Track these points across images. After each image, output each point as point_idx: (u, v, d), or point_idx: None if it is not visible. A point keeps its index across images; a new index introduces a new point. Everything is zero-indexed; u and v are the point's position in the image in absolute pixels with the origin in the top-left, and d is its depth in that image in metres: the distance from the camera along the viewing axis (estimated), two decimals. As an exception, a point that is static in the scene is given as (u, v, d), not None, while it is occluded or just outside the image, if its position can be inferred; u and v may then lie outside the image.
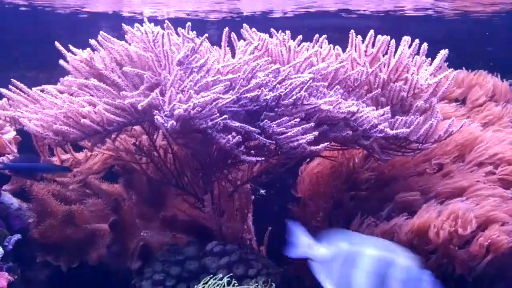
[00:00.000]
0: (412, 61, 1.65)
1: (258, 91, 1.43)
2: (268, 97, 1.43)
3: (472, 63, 2.18)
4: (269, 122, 1.43)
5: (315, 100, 1.49)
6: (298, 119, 1.44)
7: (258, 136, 1.45)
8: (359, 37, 1.67)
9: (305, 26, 1.68)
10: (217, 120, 1.40)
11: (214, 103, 1.42)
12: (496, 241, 1.43)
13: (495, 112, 1.95)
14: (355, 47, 1.66)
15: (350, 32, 1.66)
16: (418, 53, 1.66)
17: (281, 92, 1.44)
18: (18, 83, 1.65)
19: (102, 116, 1.51)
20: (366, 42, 1.67)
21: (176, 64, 1.50)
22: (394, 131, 1.53)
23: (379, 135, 1.52)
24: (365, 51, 1.66)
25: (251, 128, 1.44)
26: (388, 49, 1.65)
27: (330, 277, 1.13)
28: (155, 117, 1.42)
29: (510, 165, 1.67)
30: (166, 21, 1.70)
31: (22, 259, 1.82)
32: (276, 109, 1.46)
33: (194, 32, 1.64)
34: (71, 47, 1.68)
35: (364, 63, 1.63)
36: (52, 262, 1.91)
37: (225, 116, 1.42)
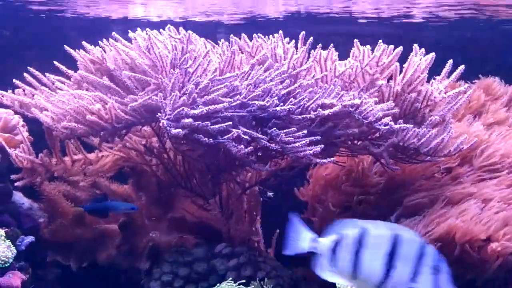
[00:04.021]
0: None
1: (268, 101, 1.45)
2: (278, 108, 1.45)
3: (479, 68, 2.18)
4: (277, 130, 1.45)
5: (319, 99, 1.50)
6: (305, 131, 1.45)
7: (266, 142, 1.46)
8: (368, 46, 1.65)
9: (311, 31, 1.67)
10: (234, 131, 1.42)
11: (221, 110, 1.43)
12: (505, 245, 1.44)
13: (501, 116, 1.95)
14: (363, 56, 1.65)
15: (355, 41, 1.65)
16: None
17: (291, 108, 1.45)
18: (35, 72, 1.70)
19: (111, 113, 1.53)
20: (379, 53, 1.64)
21: (170, 66, 1.51)
22: (399, 125, 1.53)
23: (384, 127, 1.52)
24: (377, 62, 1.65)
25: (260, 136, 1.46)
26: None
27: (335, 265, 1.10)
28: (161, 121, 1.43)
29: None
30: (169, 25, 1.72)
31: (33, 258, 1.84)
32: (284, 118, 1.48)
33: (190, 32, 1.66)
34: (84, 43, 1.71)
35: (375, 73, 1.63)
36: (62, 262, 1.93)
37: (230, 123, 1.43)
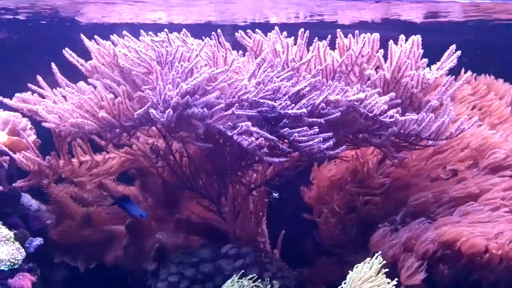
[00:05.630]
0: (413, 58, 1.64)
1: (279, 102, 1.45)
2: (289, 111, 1.45)
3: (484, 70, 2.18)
4: (289, 130, 1.45)
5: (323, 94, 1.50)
6: (317, 128, 1.46)
7: (276, 142, 1.47)
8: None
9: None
10: (242, 125, 1.43)
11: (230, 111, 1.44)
12: (507, 250, 1.45)
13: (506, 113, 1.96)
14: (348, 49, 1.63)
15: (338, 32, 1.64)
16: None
17: (302, 105, 1.46)
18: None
19: (119, 109, 1.54)
20: (360, 44, 1.62)
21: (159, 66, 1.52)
22: (404, 117, 1.54)
23: (389, 120, 1.52)
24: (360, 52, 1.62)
25: (270, 137, 1.47)
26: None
27: None
28: (150, 111, 1.42)
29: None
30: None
31: (41, 259, 1.85)
32: (295, 118, 1.48)
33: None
34: (97, 38, 1.71)
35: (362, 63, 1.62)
36: (70, 263, 1.95)
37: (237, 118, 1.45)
